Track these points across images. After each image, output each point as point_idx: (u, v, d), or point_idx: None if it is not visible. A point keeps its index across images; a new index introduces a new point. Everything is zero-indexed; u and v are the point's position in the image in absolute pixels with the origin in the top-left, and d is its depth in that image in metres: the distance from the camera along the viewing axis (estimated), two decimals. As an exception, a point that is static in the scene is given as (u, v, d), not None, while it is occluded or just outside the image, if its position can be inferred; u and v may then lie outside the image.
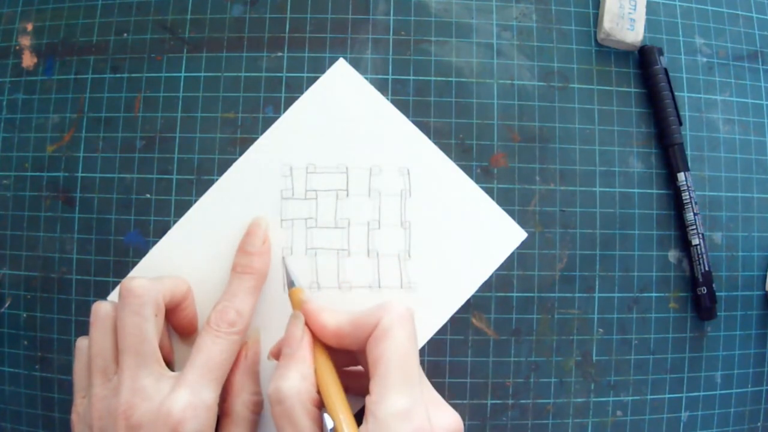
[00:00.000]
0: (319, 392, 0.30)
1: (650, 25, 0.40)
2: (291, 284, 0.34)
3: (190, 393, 0.31)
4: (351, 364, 0.34)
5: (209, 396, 0.32)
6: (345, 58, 0.39)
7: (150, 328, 0.32)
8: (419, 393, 0.29)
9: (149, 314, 0.32)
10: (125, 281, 0.33)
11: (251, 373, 0.35)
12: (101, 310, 0.33)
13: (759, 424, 0.40)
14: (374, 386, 0.28)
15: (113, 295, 0.37)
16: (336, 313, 0.32)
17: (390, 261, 0.37)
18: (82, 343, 0.35)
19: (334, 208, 0.37)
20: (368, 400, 0.28)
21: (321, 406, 0.30)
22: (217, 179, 0.38)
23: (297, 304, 0.33)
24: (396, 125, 0.38)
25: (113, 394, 0.31)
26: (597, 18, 0.40)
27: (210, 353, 0.33)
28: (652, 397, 0.39)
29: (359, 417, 0.29)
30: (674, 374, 0.39)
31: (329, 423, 0.29)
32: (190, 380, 0.32)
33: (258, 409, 0.35)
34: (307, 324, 0.32)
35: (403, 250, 0.37)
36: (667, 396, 0.39)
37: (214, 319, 0.34)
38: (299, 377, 0.30)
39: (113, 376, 0.32)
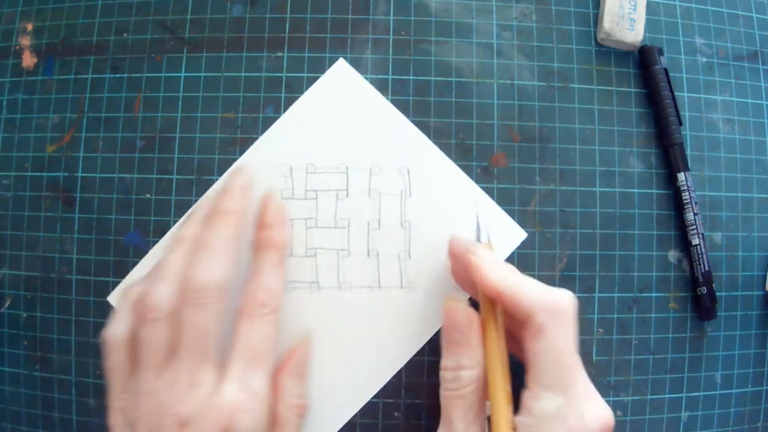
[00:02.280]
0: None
1: (650, 25, 0.40)
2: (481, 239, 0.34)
3: (239, 386, 0.30)
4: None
5: (260, 385, 0.31)
6: (345, 58, 0.39)
7: (213, 322, 0.31)
8: (574, 392, 0.28)
9: (214, 308, 0.31)
10: (189, 276, 0.31)
11: (297, 376, 0.34)
12: (161, 303, 0.31)
13: (759, 424, 0.40)
14: (530, 382, 0.28)
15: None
16: (503, 270, 0.31)
17: (390, 261, 0.37)
18: (117, 338, 0.32)
19: (334, 208, 0.37)
20: (524, 393, 0.28)
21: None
22: (217, 179, 0.38)
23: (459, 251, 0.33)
24: (396, 125, 0.38)
25: (165, 388, 0.30)
26: (597, 18, 0.40)
27: (250, 340, 0.32)
28: (652, 397, 0.39)
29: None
30: (674, 374, 0.39)
31: (488, 410, 0.29)
32: (236, 372, 0.31)
33: (302, 412, 0.34)
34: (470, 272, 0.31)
35: (403, 250, 0.37)
36: (667, 396, 0.39)
37: (245, 303, 0.32)
38: (475, 363, 0.30)
39: (165, 371, 0.31)
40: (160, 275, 0.32)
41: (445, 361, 0.31)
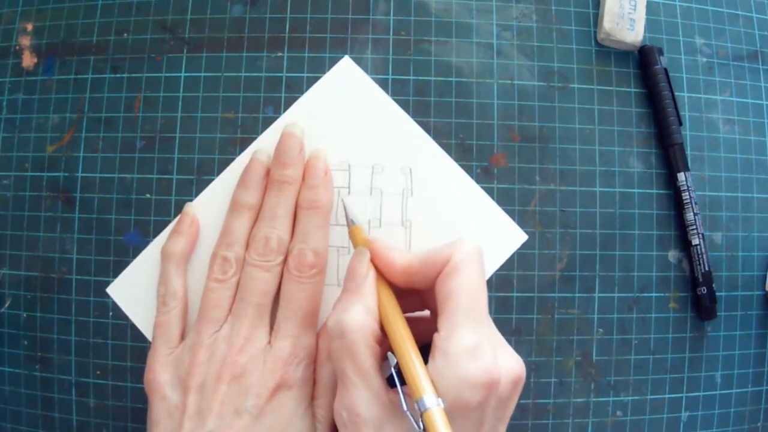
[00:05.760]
0: (381, 329, 0.30)
1: (650, 25, 0.40)
2: (351, 222, 0.34)
3: (292, 342, 0.33)
4: (413, 309, 0.33)
5: (310, 342, 0.34)
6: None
7: (273, 282, 0.34)
8: (487, 331, 0.28)
9: (276, 270, 0.34)
10: (257, 243, 0.34)
11: None
12: (231, 266, 0.34)
13: (759, 424, 0.40)
14: (443, 322, 0.28)
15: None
16: (404, 251, 0.31)
17: (390, 261, 0.37)
18: (171, 295, 0.35)
19: (336, 206, 0.37)
20: (436, 336, 0.28)
21: (382, 343, 0.30)
22: (216, 179, 0.38)
23: (359, 242, 0.33)
24: (399, 124, 0.38)
25: (223, 341, 0.33)
26: (597, 18, 0.40)
27: (299, 302, 0.34)
28: (652, 397, 0.39)
29: (423, 355, 0.28)
30: (674, 374, 0.39)
31: (393, 360, 0.28)
32: (288, 330, 0.33)
33: None
34: (372, 262, 0.31)
35: (403, 250, 0.37)
36: (667, 396, 0.39)
37: (293, 265, 0.34)
38: (363, 311, 0.29)
39: (222, 325, 0.34)
40: (229, 241, 0.35)
41: (333, 310, 0.30)
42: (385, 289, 0.31)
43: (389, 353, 0.29)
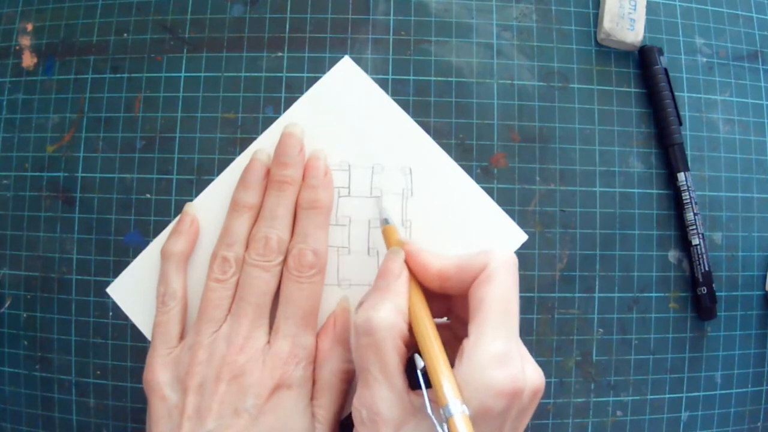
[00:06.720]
0: (409, 330, 0.29)
1: (650, 25, 0.40)
2: (385, 222, 0.34)
3: (292, 342, 0.33)
4: (435, 314, 0.33)
5: (309, 342, 0.34)
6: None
7: (273, 282, 0.34)
8: (516, 340, 0.29)
9: (276, 270, 0.34)
10: (257, 243, 0.34)
11: (341, 341, 0.35)
12: (229, 269, 0.34)
13: (759, 424, 0.40)
14: (474, 328, 0.28)
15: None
16: (439, 255, 0.31)
17: (390, 261, 0.37)
18: (171, 295, 0.35)
19: (336, 206, 0.37)
20: (465, 342, 0.28)
21: (408, 344, 0.29)
22: (216, 179, 0.38)
23: (392, 242, 0.33)
24: (399, 124, 0.38)
25: (222, 340, 0.33)
26: (597, 18, 0.40)
27: (298, 302, 0.34)
28: (652, 397, 0.39)
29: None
30: (674, 374, 0.39)
31: (419, 363, 0.28)
32: (287, 330, 0.33)
33: (347, 377, 0.34)
34: (406, 263, 0.31)
35: (403, 250, 0.37)
36: (667, 396, 0.39)
37: (293, 265, 0.34)
38: (393, 310, 0.29)
39: (221, 325, 0.34)
40: (229, 241, 0.35)
41: (361, 307, 0.30)
42: (416, 291, 0.31)
43: (416, 355, 0.29)
